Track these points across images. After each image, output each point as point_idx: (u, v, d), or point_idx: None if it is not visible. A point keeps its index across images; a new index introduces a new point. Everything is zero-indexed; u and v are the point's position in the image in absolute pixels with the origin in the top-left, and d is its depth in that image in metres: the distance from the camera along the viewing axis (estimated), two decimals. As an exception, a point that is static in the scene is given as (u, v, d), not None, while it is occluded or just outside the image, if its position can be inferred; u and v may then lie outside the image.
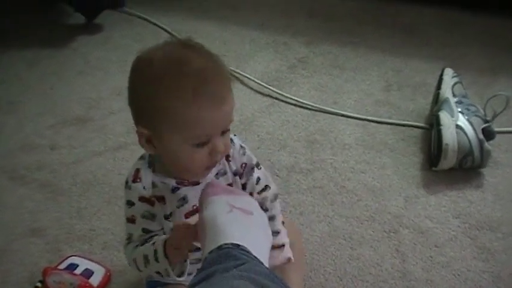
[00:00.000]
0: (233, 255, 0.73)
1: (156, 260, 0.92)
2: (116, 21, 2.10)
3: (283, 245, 1.05)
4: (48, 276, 1.16)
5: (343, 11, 2.15)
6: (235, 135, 1.03)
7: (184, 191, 0.97)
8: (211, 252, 0.76)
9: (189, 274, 1.00)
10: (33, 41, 2.00)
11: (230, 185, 1.02)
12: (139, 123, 0.91)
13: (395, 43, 1.98)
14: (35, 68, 1.88)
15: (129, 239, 0.98)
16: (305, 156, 1.52)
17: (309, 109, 1.68)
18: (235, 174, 1.03)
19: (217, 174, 1.00)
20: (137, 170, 0.97)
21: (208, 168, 0.93)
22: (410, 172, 1.48)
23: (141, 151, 1.51)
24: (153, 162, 0.98)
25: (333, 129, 1.61)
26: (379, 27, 2.06)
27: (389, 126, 1.63)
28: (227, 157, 1.01)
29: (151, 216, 0.96)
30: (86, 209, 1.38)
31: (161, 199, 0.97)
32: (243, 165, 1.04)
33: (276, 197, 1.07)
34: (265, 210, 1.03)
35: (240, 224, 0.82)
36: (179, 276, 0.92)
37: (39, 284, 1.17)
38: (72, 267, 1.19)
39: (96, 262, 1.22)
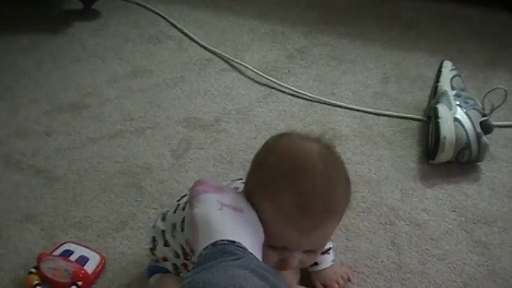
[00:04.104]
0: (229, 251, 0.73)
1: None
2: (113, 8, 2.08)
3: (329, 249, 1.15)
4: (42, 263, 1.15)
5: (342, 2, 2.15)
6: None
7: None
8: (206, 248, 0.76)
9: None
10: (29, 26, 1.98)
11: None
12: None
13: (394, 36, 1.97)
14: (31, 53, 1.86)
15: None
16: (302, 147, 1.51)
17: (307, 100, 1.68)
18: None
19: None
20: None
21: (280, 270, 0.92)
22: (407, 164, 1.48)
23: (137, 139, 1.52)
24: None
25: (330, 120, 1.61)
26: (378, 20, 2.06)
27: (386, 118, 1.62)
28: None
29: None
30: (82, 196, 1.37)
31: None
32: None
33: None
34: None
35: (232, 221, 0.82)
36: None
37: (33, 270, 1.16)
38: (67, 253, 1.18)
39: (91, 249, 1.21)
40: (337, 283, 1.15)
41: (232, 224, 0.81)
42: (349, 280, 1.17)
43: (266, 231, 0.86)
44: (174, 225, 1.03)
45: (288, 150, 0.89)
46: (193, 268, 0.73)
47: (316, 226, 0.86)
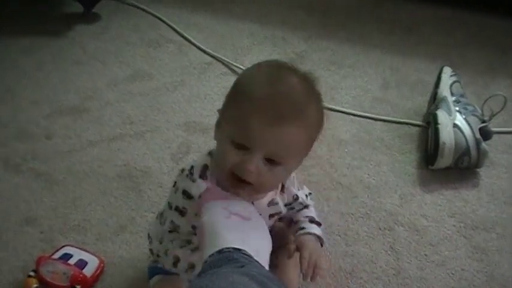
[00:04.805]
0: (234, 259, 0.74)
1: (193, 267, 0.92)
2: (114, 11, 2.09)
3: (320, 224, 1.10)
4: (41, 266, 1.15)
5: (342, 7, 2.15)
6: None
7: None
8: (211, 255, 0.76)
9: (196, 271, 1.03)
10: (30, 29, 1.98)
11: (280, 213, 1.05)
12: (221, 109, 0.96)
13: (394, 41, 1.98)
14: (31, 56, 1.86)
15: (174, 228, 0.97)
16: (301, 152, 1.51)
17: (307, 104, 1.68)
18: (286, 205, 1.06)
19: (270, 202, 1.02)
20: (205, 167, 0.97)
21: (233, 180, 0.91)
22: (406, 170, 1.48)
23: (136, 143, 1.52)
24: None
25: (330, 125, 1.61)
26: (378, 25, 2.06)
27: (386, 123, 1.63)
28: (282, 188, 1.04)
29: None
30: (81, 199, 1.37)
31: None
32: (294, 196, 1.07)
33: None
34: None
35: (239, 229, 0.82)
36: None
37: (32, 274, 1.16)
38: (66, 257, 1.18)
39: (90, 253, 1.21)
40: (310, 256, 1.02)
41: (239, 231, 0.81)
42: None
43: (234, 127, 0.89)
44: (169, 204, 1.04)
45: (267, 69, 0.94)
46: (198, 275, 0.74)
47: (280, 122, 0.86)
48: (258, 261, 0.75)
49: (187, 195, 0.95)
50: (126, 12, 2.09)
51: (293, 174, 1.07)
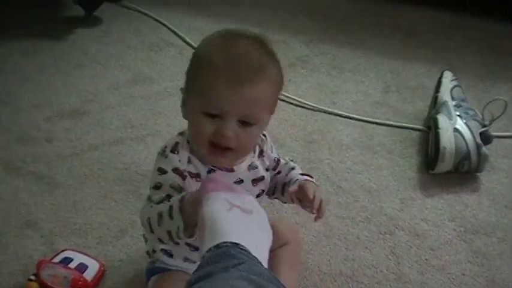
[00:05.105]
0: (231, 255, 0.73)
1: (170, 216, 0.90)
2: (115, 14, 2.09)
3: (311, 177, 1.09)
4: (42, 270, 1.15)
5: (343, 12, 2.15)
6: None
7: (218, 175, 1.00)
8: (209, 250, 0.75)
9: (193, 262, 1.04)
10: (31, 32, 1.98)
11: (262, 178, 1.05)
12: (184, 87, 0.98)
13: (395, 45, 1.98)
14: (33, 59, 1.87)
15: (150, 201, 0.98)
16: (302, 156, 1.51)
17: (308, 109, 1.68)
18: (267, 169, 1.07)
19: (249, 166, 1.04)
20: (176, 143, 1.00)
21: (213, 149, 0.95)
22: (407, 174, 1.48)
23: (137, 146, 1.52)
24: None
25: (331, 129, 1.61)
26: (378, 29, 2.06)
27: (387, 127, 1.63)
28: (261, 153, 1.06)
29: (179, 189, 0.97)
30: (82, 202, 1.37)
31: (195, 176, 0.99)
32: (275, 159, 1.09)
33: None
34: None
35: (239, 222, 0.81)
36: (190, 237, 0.90)
37: (32, 277, 1.16)
38: (67, 261, 1.18)
39: (90, 256, 1.21)
40: (315, 192, 1.00)
41: (238, 226, 0.80)
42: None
43: (202, 98, 0.92)
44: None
45: (218, 38, 0.96)
46: (195, 270, 0.74)
47: (244, 84, 0.90)
48: (256, 258, 0.75)
49: (162, 171, 0.98)
50: (127, 15, 2.09)
51: (270, 142, 1.09)
